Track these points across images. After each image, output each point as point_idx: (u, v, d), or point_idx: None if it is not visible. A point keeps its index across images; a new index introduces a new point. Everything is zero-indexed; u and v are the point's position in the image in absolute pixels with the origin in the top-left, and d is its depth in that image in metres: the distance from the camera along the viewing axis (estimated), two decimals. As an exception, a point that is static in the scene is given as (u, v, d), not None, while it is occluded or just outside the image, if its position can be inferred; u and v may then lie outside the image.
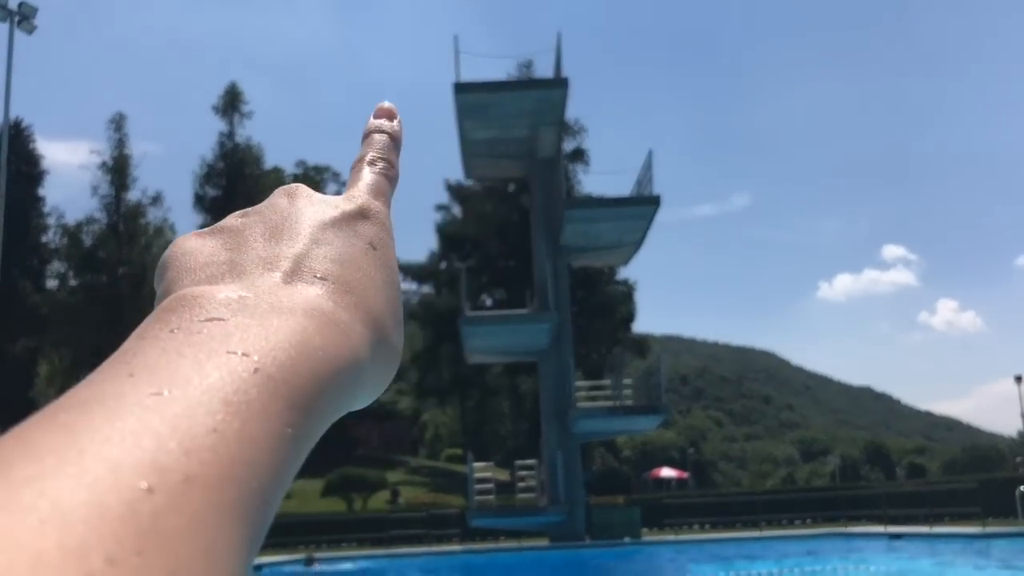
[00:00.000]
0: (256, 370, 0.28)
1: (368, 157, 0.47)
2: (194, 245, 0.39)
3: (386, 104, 0.51)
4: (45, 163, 59.92)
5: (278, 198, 0.43)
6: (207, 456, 0.25)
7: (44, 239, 56.55)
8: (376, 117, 0.50)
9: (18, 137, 56.61)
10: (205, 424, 0.25)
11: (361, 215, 0.42)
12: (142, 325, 0.32)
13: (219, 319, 0.31)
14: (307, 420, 0.30)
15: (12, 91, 24.40)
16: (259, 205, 0.43)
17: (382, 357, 0.37)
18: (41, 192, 58.60)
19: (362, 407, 0.37)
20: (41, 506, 0.21)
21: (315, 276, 0.36)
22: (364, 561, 24.35)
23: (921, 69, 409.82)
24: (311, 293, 0.35)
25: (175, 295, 0.34)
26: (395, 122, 0.51)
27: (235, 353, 0.29)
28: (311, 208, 0.42)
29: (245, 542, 0.25)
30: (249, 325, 0.31)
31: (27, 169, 56.87)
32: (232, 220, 0.41)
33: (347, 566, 22.11)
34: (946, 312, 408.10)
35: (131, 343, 0.30)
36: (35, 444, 0.23)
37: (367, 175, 0.46)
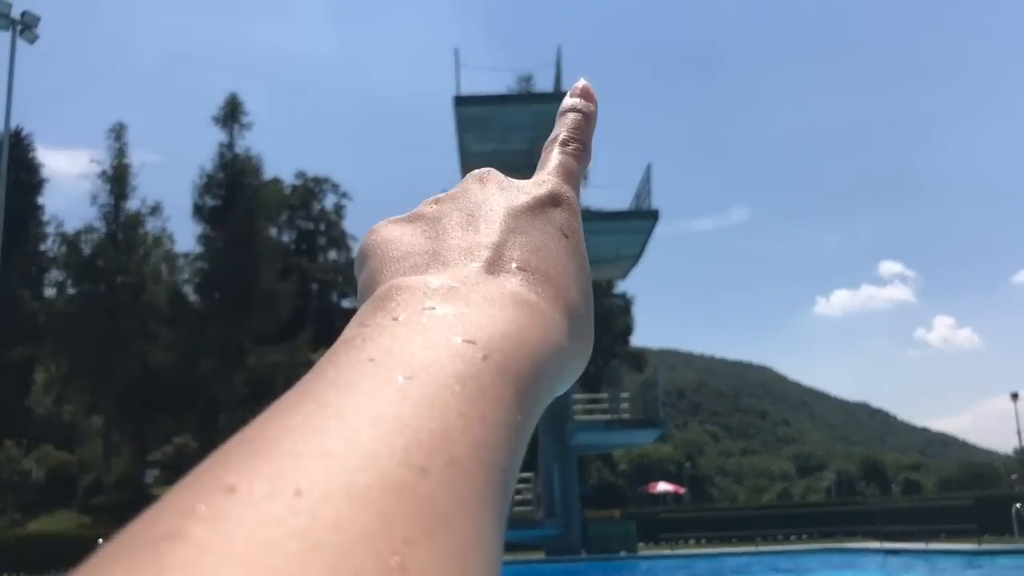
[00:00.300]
0: (485, 357, 0.29)
1: (561, 137, 0.47)
2: (393, 233, 0.40)
3: (582, 82, 0.50)
4: (45, 171, 60.23)
5: (470, 183, 0.43)
6: (461, 438, 0.25)
7: (43, 247, 56.63)
8: (572, 96, 0.50)
9: (18, 145, 56.75)
10: (454, 408, 0.26)
11: (552, 201, 0.42)
12: (359, 314, 0.33)
13: (439, 308, 0.32)
14: (531, 406, 0.31)
15: (13, 99, 24.50)
16: (452, 191, 0.43)
17: (579, 344, 0.37)
18: (40, 200, 58.80)
19: (563, 392, 0.38)
20: (334, 486, 0.21)
21: (516, 266, 0.37)
22: None
23: (919, 84, 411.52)
24: (515, 284, 0.35)
25: (388, 285, 0.34)
26: (592, 102, 0.50)
27: (465, 340, 0.29)
28: (503, 194, 0.42)
29: (498, 524, 0.25)
30: (468, 315, 0.31)
31: (27, 177, 57.02)
32: (426, 207, 0.42)
33: None
34: (943, 328, 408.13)
35: (354, 330, 0.31)
36: (302, 424, 0.24)
37: (558, 156, 0.46)
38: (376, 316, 0.32)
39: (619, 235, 26.34)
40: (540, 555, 26.19)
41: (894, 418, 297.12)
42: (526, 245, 0.38)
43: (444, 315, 0.31)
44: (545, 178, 0.44)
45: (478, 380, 0.28)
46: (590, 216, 30.63)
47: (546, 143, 0.48)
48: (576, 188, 0.45)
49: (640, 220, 25.92)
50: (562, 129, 0.47)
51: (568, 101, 0.50)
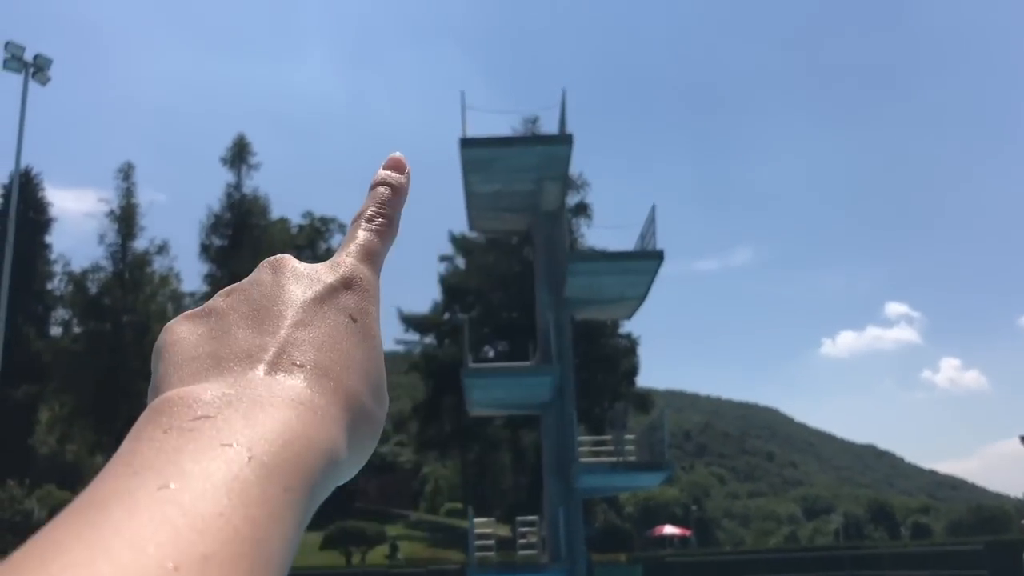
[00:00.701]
0: (250, 458, 0.31)
1: (367, 213, 0.48)
2: (182, 333, 0.42)
3: (396, 155, 0.51)
4: (53, 211, 60.49)
5: (263, 273, 0.44)
6: (219, 536, 0.27)
7: (49, 286, 56.80)
8: (385, 168, 0.51)
9: (27, 185, 57.17)
10: (212, 510, 0.28)
11: (345, 285, 0.43)
12: (135, 427, 0.34)
13: (208, 416, 0.33)
14: (299, 500, 0.32)
15: (23, 139, 24.72)
16: (245, 281, 0.44)
17: (360, 434, 0.39)
18: (48, 239, 59.07)
19: (347, 480, 0.40)
20: None
21: (294, 364, 0.38)
22: None
23: (925, 127, 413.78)
24: (290, 384, 0.37)
25: (163, 397, 0.36)
26: (403, 175, 0.50)
27: (228, 445, 0.31)
28: (293, 285, 0.42)
29: None
30: (236, 419, 0.33)
31: (35, 216, 57.35)
32: (219, 301, 0.43)
33: None
34: (949, 370, 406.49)
35: (128, 445, 0.33)
36: (64, 541, 0.26)
37: (360, 234, 0.47)
38: (148, 429, 0.33)
39: (624, 276, 26.35)
40: (545, 599, 25.86)
41: (901, 460, 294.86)
42: (309, 340, 0.39)
43: (213, 422, 0.33)
44: (341, 259, 0.45)
45: (242, 481, 0.30)
46: (595, 256, 30.78)
47: (353, 218, 0.48)
48: (375, 266, 0.46)
49: (645, 261, 25.94)
50: (369, 204, 0.48)
51: (379, 174, 0.50)
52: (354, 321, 0.42)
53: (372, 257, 0.46)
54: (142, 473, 0.30)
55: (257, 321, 0.41)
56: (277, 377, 0.37)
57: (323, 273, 0.44)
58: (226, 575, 0.26)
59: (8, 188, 53.88)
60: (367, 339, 0.42)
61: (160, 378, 0.40)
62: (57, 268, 56.32)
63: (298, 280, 0.43)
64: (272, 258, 0.45)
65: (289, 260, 0.45)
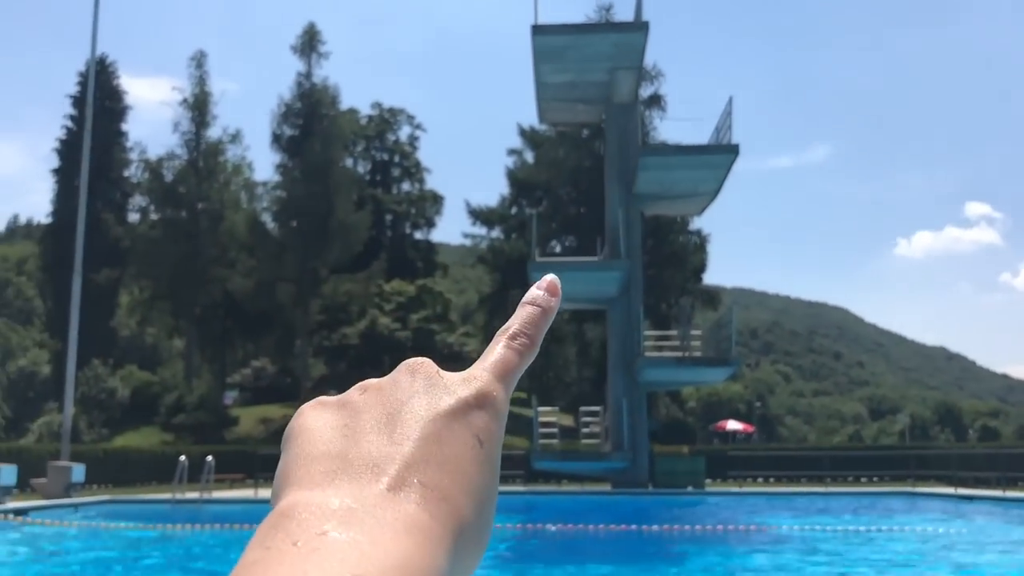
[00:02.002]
0: None
1: (512, 330, 0.49)
2: (316, 423, 0.43)
3: (551, 277, 0.52)
4: (128, 99, 61.30)
5: (402, 374, 0.45)
6: None
7: (127, 173, 58.00)
8: (536, 288, 0.52)
9: (103, 73, 57.90)
10: None
11: (477, 403, 0.44)
12: (263, 530, 0.35)
13: (334, 534, 0.34)
14: None
15: (98, 28, 24.90)
16: (384, 380, 0.45)
17: (466, 556, 0.39)
18: (124, 127, 60.06)
19: None
20: None
21: (418, 482, 0.39)
22: None
23: (1008, 20, 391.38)
24: (411, 506, 0.37)
25: (292, 502, 0.37)
26: (554, 297, 0.52)
27: (354, 574, 0.32)
28: (427, 396, 0.43)
29: None
30: (360, 544, 0.33)
31: (111, 104, 58.23)
32: (355, 396, 0.44)
33: None
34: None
35: (255, 553, 0.34)
36: None
37: (500, 351, 0.47)
38: (278, 538, 0.34)
39: (696, 170, 25.89)
40: (607, 487, 26.46)
41: (973, 363, 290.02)
42: (435, 459, 0.40)
43: (337, 543, 0.33)
44: (477, 375, 0.45)
45: None
46: (667, 150, 30.20)
47: (498, 332, 0.49)
48: (508, 385, 0.46)
49: (719, 155, 25.40)
50: (516, 322, 0.49)
51: (530, 293, 0.51)
52: (480, 444, 0.43)
53: (507, 376, 0.46)
54: None
55: (389, 427, 0.41)
56: (400, 496, 0.38)
57: (458, 387, 0.44)
58: None
59: (85, 76, 54.63)
60: (488, 463, 0.43)
61: (289, 467, 0.41)
62: (133, 155, 57.33)
63: (433, 389, 0.44)
64: (413, 361, 0.46)
65: (429, 365, 0.46)
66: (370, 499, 0.37)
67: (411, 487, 0.38)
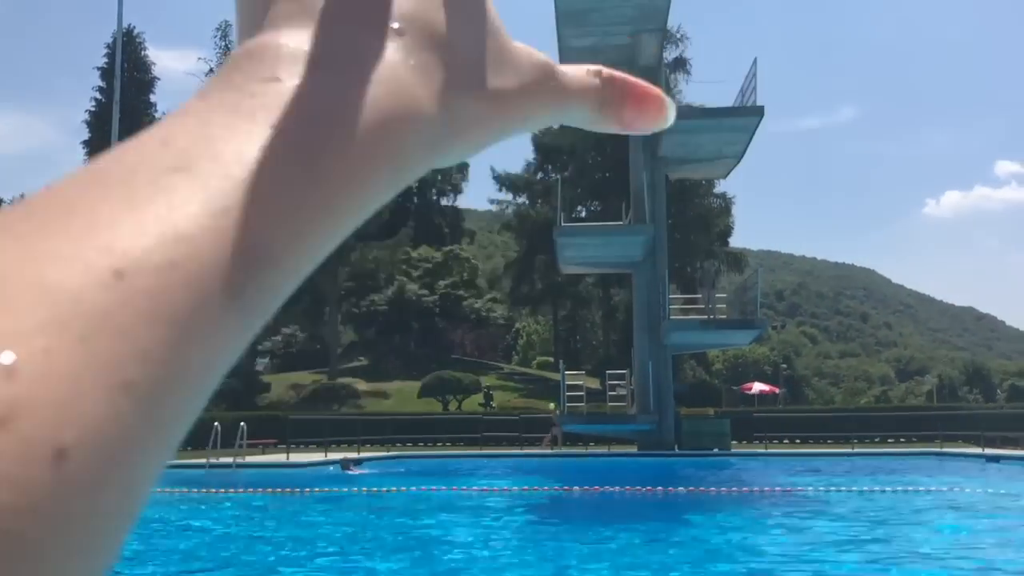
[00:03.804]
0: (292, 144, 0.26)
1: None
2: None
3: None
4: (156, 70, 61.64)
5: None
6: (205, 240, 0.23)
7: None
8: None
9: (130, 44, 58.20)
10: (217, 203, 0.23)
11: None
12: (211, 79, 0.29)
13: (276, 79, 0.28)
14: (358, 198, 0.27)
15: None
16: None
17: (464, 117, 0.32)
18: (152, 98, 60.47)
19: (437, 167, 0.33)
20: (29, 278, 0.20)
21: (393, 29, 0.30)
22: (408, 463, 24.92)
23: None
24: (385, 54, 0.30)
25: (246, 47, 0.30)
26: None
27: (275, 128, 0.26)
28: None
29: (226, 329, 0.23)
30: (299, 94, 0.27)
31: (139, 75, 58.59)
32: None
33: (381, 470, 22.18)
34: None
35: (195, 102, 0.28)
36: (51, 206, 0.22)
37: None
38: (218, 87, 0.28)
39: (721, 133, 25.81)
40: (633, 449, 26.76)
41: (1002, 323, 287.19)
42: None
43: (277, 91, 0.27)
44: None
45: (269, 172, 0.25)
46: (692, 113, 30.09)
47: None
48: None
49: (744, 117, 25.30)
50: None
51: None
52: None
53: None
54: (171, 144, 0.25)
55: None
56: (371, 39, 0.30)
57: None
58: (189, 290, 0.22)
59: (112, 47, 54.96)
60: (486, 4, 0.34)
61: (240, 21, 0.33)
62: None
63: None
64: None
65: None
66: (337, 42, 0.29)
67: (386, 31, 0.30)
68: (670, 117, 0.39)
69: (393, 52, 0.30)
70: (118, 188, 0.23)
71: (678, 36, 55.23)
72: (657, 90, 0.39)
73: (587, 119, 0.37)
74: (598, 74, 0.37)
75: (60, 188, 0.23)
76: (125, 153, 0.24)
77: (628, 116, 0.38)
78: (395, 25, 0.31)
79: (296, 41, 0.29)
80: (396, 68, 0.29)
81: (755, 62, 26.45)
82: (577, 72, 0.37)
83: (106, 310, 0.20)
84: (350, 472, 21.16)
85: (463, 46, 0.32)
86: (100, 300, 0.20)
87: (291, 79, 0.28)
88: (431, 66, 0.31)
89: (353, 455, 24.34)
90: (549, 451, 28.10)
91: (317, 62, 0.29)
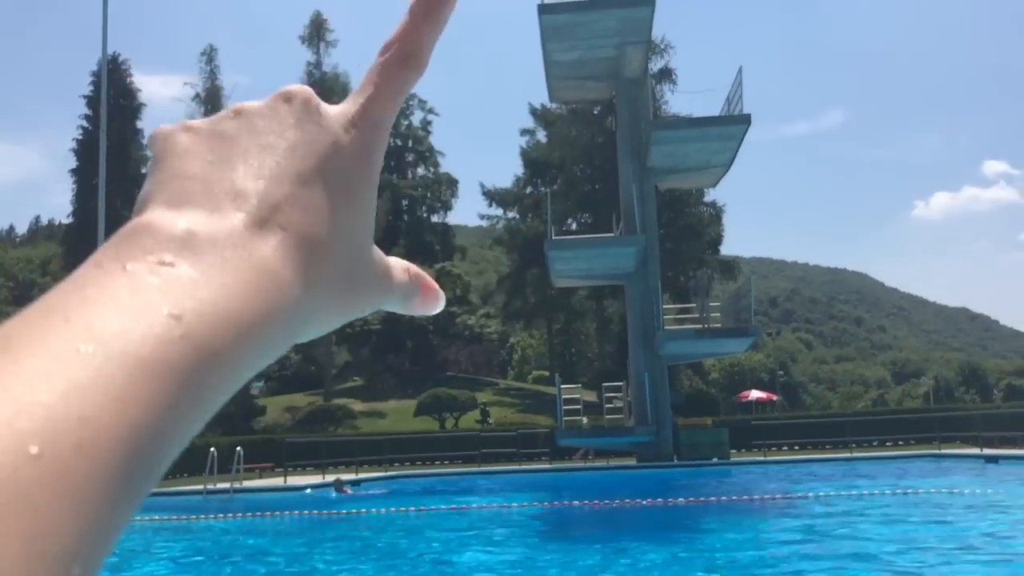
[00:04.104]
0: (184, 336, 0.28)
1: (390, 47, 0.42)
2: (182, 145, 0.38)
3: None
4: (142, 96, 61.63)
5: (278, 103, 0.40)
6: (106, 424, 0.25)
7: (144, 170, 58.19)
8: None
9: (115, 71, 58.19)
10: (115, 390, 0.26)
11: (353, 146, 0.39)
12: (107, 245, 0.32)
13: (169, 264, 0.31)
14: (224, 380, 0.30)
15: (108, 26, 25.09)
16: (260, 106, 0.40)
17: (322, 312, 0.37)
18: (140, 125, 60.42)
19: (308, 339, 0.38)
20: None
21: (278, 226, 0.35)
22: (402, 482, 24.92)
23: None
24: (267, 248, 0.34)
25: (138, 222, 0.33)
26: None
27: (170, 314, 0.29)
28: (303, 132, 0.38)
29: (126, 499, 0.25)
30: (191, 280, 0.30)
31: (125, 102, 58.55)
32: (228, 123, 0.39)
33: (377, 490, 22.18)
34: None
35: (88, 270, 0.30)
36: None
37: (378, 73, 0.41)
38: (113, 255, 0.31)
39: (709, 142, 25.87)
40: (632, 461, 26.66)
41: (996, 323, 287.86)
42: (300, 201, 0.36)
43: (168, 276, 0.30)
44: (355, 113, 0.40)
45: (164, 361, 0.27)
46: (679, 123, 30.19)
47: (380, 49, 0.42)
48: (389, 116, 0.41)
49: (731, 126, 25.37)
50: (395, 36, 0.42)
51: None
52: (354, 191, 0.39)
53: (386, 105, 0.41)
54: (73, 320, 0.27)
55: (260, 159, 0.37)
56: (256, 234, 0.34)
57: (336, 124, 0.39)
58: (95, 466, 0.24)
59: (97, 75, 54.95)
60: (361, 215, 0.39)
61: (149, 190, 0.37)
62: (150, 153, 57.66)
63: (310, 125, 0.39)
64: (290, 88, 0.40)
65: (306, 95, 0.40)
66: (222, 231, 0.33)
67: (270, 227, 0.34)
68: (440, 306, 0.48)
69: (273, 251, 0.34)
70: (26, 360, 0.25)
71: (663, 47, 55.45)
72: (435, 284, 0.47)
73: (397, 306, 0.44)
74: (407, 270, 0.45)
75: None
76: (30, 324, 0.27)
77: (418, 305, 0.46)
78: (276, 224, 0.35)
79: (190, 221, 0.33)
80: (274, 264, 0.33)
81: (740, 70, 26.56)
82: (397, 268, 0.44)
83: (26, 488, 0.23)
84: (344, 493, 21.06)
85: (337, 248, 0.37)
86: (20, 476, 0.23)
87: (178, 264, 0.31)
88: (307, 263, 0.35)
89: (348, 476, 24.21)
90: (583, 463, 28.07)
91: (202, 250, 0.32)
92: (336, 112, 0.40)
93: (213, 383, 0.29)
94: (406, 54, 0.41)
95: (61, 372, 0.25)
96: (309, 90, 0.40)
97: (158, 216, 0.34)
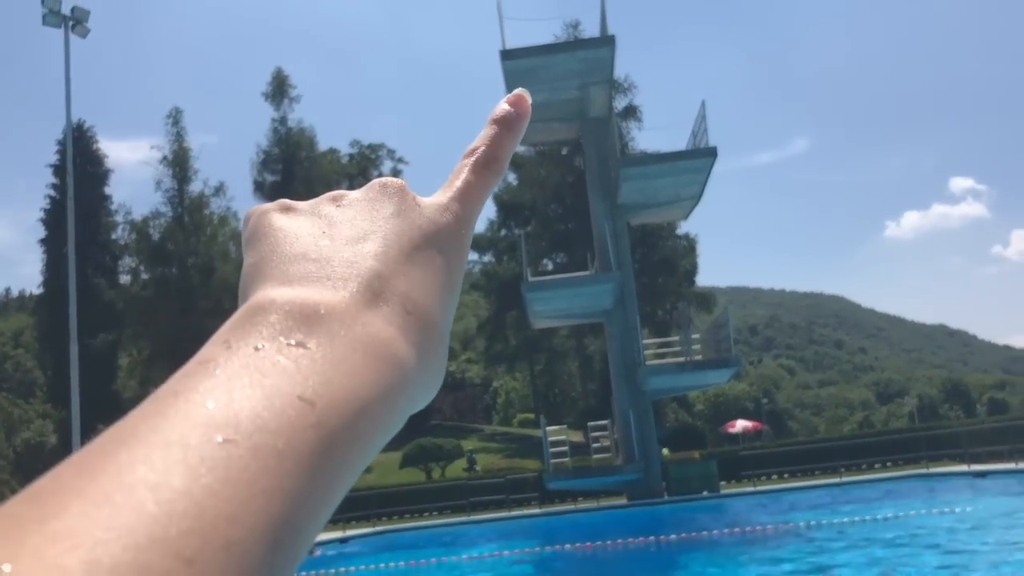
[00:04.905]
0: (316, 424, 0.29)
1: (478, 154, 0.45)
2: (290, 224, 0.40)
3: (519, 90, 0.50)
4: (109, 162, 61.48)
5: (376, 192, 0.42)
6: (249, 520, 0.25)
7: (114, 236, 58.10)
8: (503, 103, 0.49)
9: (81, 139, 58.06)
10: (258, 483, 0.26)
11: (449, 232, 0.41)
12: (234, 320, 0.33)
13: (301, 345, 0.31)
14: (352, 466, 0.30)
15: (72, 94, 25.04)
16: (358, 192, 0.42)
17: (424, 385, 0.37)
18: (107, 191, 60.22)
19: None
20: (72, 566, 0.21)
21: (398, 303, 0.36)
22: (394, 536, 24.62)
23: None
24: (391, 329, 0.35)
25: (265, 297, 0.34)
26: (521, 110, 0.48)
27: (302, 399, 0.29)
28: (405, 217, 0.40)
29: None
30: (324, 364, 0.31)
31: (93, 169, 58.38)
32: (327, 206, 0.41)
33: (352, 547, 21.87)
34: (1020, 242, 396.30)
35: (216, 349, 0.31)
36: (94, 479, 0.24)
37: (467, 176, 0.44)
38: (241, 339, 0.32)
39: (677, 176, 26.00)
40: (622, 500, 26.42)
41: (974, 337, 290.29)
42: (415, 281, 0.38)
43: (298, 358, 0.31)
44: (448, 204, 0.42)
45: (300, 451, 0.28)
46: (647, 159, 30.34)
47: (464, 153, 0.46)
48: (476, 212, 0.44)
49: (698, 159, 25.54)
50: (481, 143, 0.46)
51: (498, 109, 0.48)
52: (450, 272, 0.40)
53: (477, 198, 0.44)
54: (214, 408, 0.28)
55: (368, 240, 0.39)
56: (379, 312, 0.35)
57: (433, 212, 0.41)
58: (241, 566, 0.24)
59: (63, 143, 54.82)
60: (454, 294, 0.41)
61: (262, 259, 0.38)
62: (119, 218, 57.46)
63: (410, 211, 0.41)
64: (385, 179, 0.43)
65: (401, 187, 0.42)
66: (341, 306, 0.34)
67: (385, 301, 0.36)
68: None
69: (395, 331, 0.35)
70: (165, 450, 0.25)
71: (626, 85, 56.10)
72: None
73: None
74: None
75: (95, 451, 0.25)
76: (163, 409, 0.27)
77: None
78: (395, 302, 0.36)
79: (318, 302, 0.34)
80: (399, 348, 0.35)
81: (703, 104, 26.82)
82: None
83: None
84: (313, 555, 20.56)
85: (442, 322, 0.39)
86: None
87: (308, 345, 0.31)
88: (420, 338, 0.36)
89: (335, 534, 23.79)
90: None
91: (331, 330, 0.33)
92: (430, 200, 0.42)
93: (341, 471, 0.29)
94: (489, 158, 0.45)
95: (207, 466, 0.25)
96: (403, 182, 0.43)
97: (279, 293, 0.34)
